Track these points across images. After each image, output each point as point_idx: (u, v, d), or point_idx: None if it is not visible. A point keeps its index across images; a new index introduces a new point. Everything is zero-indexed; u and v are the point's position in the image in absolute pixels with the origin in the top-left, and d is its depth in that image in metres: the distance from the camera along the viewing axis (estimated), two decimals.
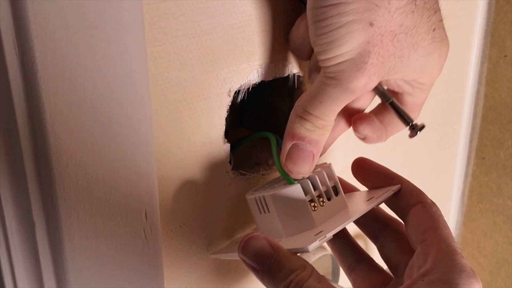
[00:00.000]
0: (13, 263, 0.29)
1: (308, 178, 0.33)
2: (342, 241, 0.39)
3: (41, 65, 0.24)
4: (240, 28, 0.33)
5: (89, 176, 0.27)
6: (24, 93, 0.24)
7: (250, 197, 0.35)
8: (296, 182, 0.33)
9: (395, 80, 0.34)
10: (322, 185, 0.34)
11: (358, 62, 0.29)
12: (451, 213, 0.70)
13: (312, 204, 0.33)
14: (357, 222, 0.38)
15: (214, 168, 0.35)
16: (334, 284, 0.30)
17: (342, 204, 0.34)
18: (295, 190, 0.33)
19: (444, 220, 0.33)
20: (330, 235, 0.30)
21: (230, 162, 0.37)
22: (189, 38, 0.31)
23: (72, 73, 0.25)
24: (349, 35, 0.29)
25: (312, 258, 0.45)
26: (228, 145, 0.36)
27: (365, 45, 0.29)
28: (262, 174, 0.39)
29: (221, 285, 0.40)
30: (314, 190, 0.33)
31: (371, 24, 0.28)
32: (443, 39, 0.33)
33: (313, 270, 0.30)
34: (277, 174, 0.39)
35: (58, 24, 0.24)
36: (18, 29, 0.23)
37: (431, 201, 0.34)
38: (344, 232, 0.39)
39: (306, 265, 0.30)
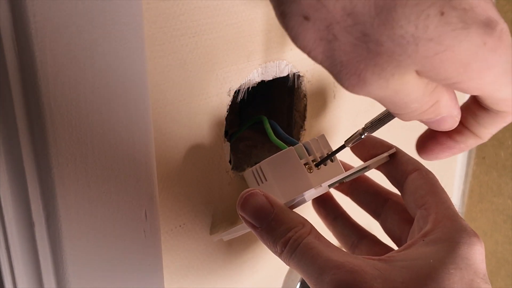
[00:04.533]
0: (12, 263, 0.29)
1: (302, 144, 0.34)
2: (342, 221, 0.39)
3: (40, 65, 0.24)
4: (240, 28, 0.33)
5: (89, 176, 0.27)
6: (24, 93, 0.24)
7: (247, 171, 0.36)
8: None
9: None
10: (316, 151, 0.34)
11: None
12: None
13: (307, 166, 0.33)
14: (358, 200, 0.39)
15: (214, 167, 0.35)
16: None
17: (338, 170, 0.35)
18: (289, 152, 0.33)
19: (441, 186, 0.33)
20: (325, 184, 0.31)
21: (230, 161, 0.37)
22: (188, 37, 0.30)
23: (72, 73, 0.25)
24: None
25: None
26: (228, 145, 0.36)
27: None
28: None
29: (221, 285, 0.40)
30: (309, 155, 0.34)
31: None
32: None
33: (312, 227, 0.30)
34: None
35: (57, 24, 0.24)
36: (17, 28, 0.23)
37: (427, 169, 0.34)
38: (343, 213, 0.39)
39: (305, 222, 0.30)
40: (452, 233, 0.28)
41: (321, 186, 0.31)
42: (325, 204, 0.40)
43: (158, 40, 0.29)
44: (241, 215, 0.31)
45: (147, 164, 0.29)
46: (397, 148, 0.35)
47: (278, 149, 0.35)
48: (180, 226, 0.35)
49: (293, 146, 0.34)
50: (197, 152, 0.34)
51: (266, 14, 0.34)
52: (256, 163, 0.36)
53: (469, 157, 0.66)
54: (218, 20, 0.32)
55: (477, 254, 0.28)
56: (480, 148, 0.65)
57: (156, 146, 0.31)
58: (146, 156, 0.29)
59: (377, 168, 0.36)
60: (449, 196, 0.32)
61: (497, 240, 0.67)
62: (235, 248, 0.40)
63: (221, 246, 0.38)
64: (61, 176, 0.26)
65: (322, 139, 0.35)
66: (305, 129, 0.41)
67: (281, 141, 0.36)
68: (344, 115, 0.44)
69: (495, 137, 0.62)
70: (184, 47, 0.30)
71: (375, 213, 0.38)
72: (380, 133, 0.33)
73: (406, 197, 0.34)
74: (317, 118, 0.41)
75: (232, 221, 0.38)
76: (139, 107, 0.28)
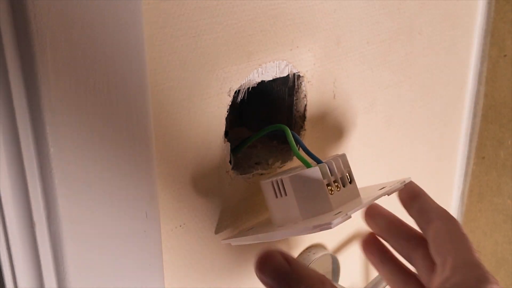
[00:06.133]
0: (13, 263, 0.29)
1: (326, 163, 0.34)
2: (390, 265, 0.39)
3: (41, 65, 0.24)
4: (240, 28, 0.33)
5: (89, 176, 0.27)
6: (24, 93, 0.24)
7: (266, 181, 0.35)
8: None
9: None
10: (337, 171, 0.34)
11: None
12: (451, 212, 0.70)
13: (329, 187, 0.33)
14: (391, 243, 0.39)
15: (214, 168, 0.35)
16: (335, 284, 0.30)
17: (355, 192, 0.35)
18: (314, 172, 0.33)
19: (463, 233, 0.33)
20: (350, 213, 0.31)
21: (230, 162, 0.37)
22: (189, 37, 0.31)
23: (72, 73, 0.25)
24: None
25: (312, 257, 0.45)
26: (228, 145, 0.36)
27: None
28: (261, 174, 0.39)
29: (222, 285, 0.40)
30: (331, 175, 0.34)
31: None
32: None
33: (331, 284, 0.30)
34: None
35: (58, 24, 0.24)
36: (18, 28, 0.23)
37: (450, 216, 0.35)
38: (391, 257, 0.40)
39: (324, 280, 0.30)
40: (471, 281, 0.29)
41: (346, 215, 0.31)
42: (373, 249, 0.40)
43: (158, 40, 0.29)
44: (259, 277, 0.30)
45: (147, 164, 0.30)
46: (422, 194, 0.37)
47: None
48: (180, 226, 0.35)
49: (317, 163, 0.34)
50: (197, 152, 0.34)
51: (266, 14, 0.34)
52: (256, 164, 0.36)
53: (468, 157, 0.66)
54: (218, 20, 0.32)
55: None
56: (480, 147, 0.65)
57: (156, 146, 0.31)
58: (146, 156, 0.29)
59: (409, 214, 0.37)
60: (471, 242, 0.33)
61: (497, 240, 0.67)
62: (236, 249, 0.40)
63: (221, 246, 0.38)
64: (62, 176, 0.26)
65: (343, 158, 0.35)
66: (305, 129, 0.41)
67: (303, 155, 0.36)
68: (344, 115, 0.44)
69: (495, 137, 0.62)
70: (184, 47, 0.31)
71: (408, 258, 0.38)
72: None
73: (429, 245, 0.34)
74: (317, 118, 0.41)
75: (232, 221, 0.38)
76: (139, 107, 0.28)
